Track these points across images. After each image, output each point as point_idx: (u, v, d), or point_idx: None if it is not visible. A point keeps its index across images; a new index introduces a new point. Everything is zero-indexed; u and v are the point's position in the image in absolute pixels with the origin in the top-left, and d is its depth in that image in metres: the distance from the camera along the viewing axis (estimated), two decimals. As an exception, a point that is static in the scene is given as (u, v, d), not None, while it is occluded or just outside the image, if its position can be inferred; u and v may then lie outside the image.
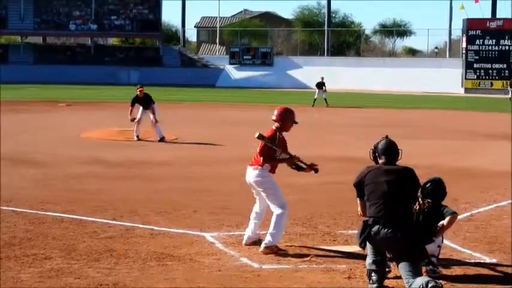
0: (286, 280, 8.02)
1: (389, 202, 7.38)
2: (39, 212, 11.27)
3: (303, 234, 10.23)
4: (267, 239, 9.21)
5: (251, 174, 9.62)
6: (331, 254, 9.18)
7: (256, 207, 9.76)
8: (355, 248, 9.39)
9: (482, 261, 8.94)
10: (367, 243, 7.54)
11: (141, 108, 22.88)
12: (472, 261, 8.94)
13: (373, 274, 7.48)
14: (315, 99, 43.48)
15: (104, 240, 9.63)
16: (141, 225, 10.55)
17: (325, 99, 43.24)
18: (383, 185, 7.44)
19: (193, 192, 13.64)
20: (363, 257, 8.85)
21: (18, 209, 11.39)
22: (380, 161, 7.75)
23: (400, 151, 7.85)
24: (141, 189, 13.85)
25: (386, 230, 7.31)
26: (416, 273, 7.22)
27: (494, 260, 8.95)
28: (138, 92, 23.13)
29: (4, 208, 11.43)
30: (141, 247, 9.29)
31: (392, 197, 7.40)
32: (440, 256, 9.00)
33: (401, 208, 7.42)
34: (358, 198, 7.75)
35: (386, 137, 7.95)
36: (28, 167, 16.56)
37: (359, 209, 7.79)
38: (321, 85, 43.99)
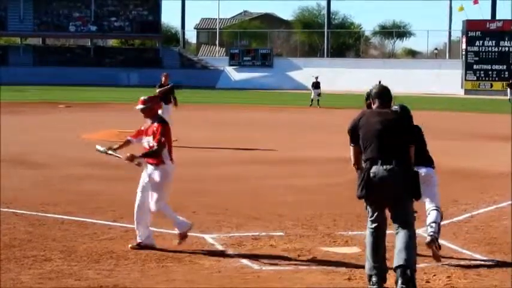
0: (286, 281, 8.02)
1: (384, 140, 7.38)
2: (39, 213, 11.27)
3: (303, 235, 10.22)
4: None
5: None
6: (331, 255, 9.17)
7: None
8: (355, 250, 9.41)
9: (482, 262, 8.94)
10: (371, 243, 7.47)
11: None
12: (472, 262, 8.94)
13: (373, 277, 7.47)
14: (313, 100, 43.77)
15: (104, 241, 9.63)
16: (141, 227, 10.53)
17: (318, 100, 43.48)
18: (377, 124, 7.44)
19: (193, 193, 13.64)
20: (363, 259, 8.86)
21: (18, 211, 11.39)
22: (374, 106, 7.78)
23: (393, 97, 7.92)
24: (141, 191, 13.82)
25: (384, 166, 7.30)
26: (406, 223, 7.39)
27: (494, 261, 8.94)
28: (164, 78, 21.74)
29: (4, 210, 11.43)
30: (141, 248, 9.29)
31: (387, 135, 7.40)
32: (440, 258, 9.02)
33: (397, 146, 7.42)
34: (351, 145, 7.71)
35: (380, 82, 8.07)
36: (28, 168, 16.56)
37: (351, 155, 7.73)
38: (317, 85, 44.15)
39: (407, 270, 7.26)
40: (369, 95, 8.04)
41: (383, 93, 7.83)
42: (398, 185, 7.34)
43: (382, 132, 7.41)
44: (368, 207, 7.58)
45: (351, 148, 7.71)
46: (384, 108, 7.70)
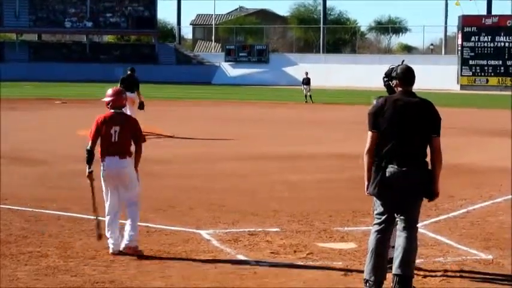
0: (283, 277, 8.02)
1: (405, 137, 7.04)
2: (35, 209, 11.25)
3: (299, 231, 10.22)
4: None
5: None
6: (328, 251, 9.17)
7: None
8: (352, 245, 9.41)
9: (478, 257, 8.95)
10: (374, 247, 7.14)
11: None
12: (468, 257, 8.95)
13: (369, 282, 7.16)
14: (306, 96, 44.00)
15: (100, 237, 9.61)
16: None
17: (310, 96, 43.68)
18: (400, 118, 7.06)
19: (189, 189, 13.63)
20: (359, 254, 8.87)
21: (14, 207, 11.37)
22: (397, 89, 7.35)
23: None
24: (137, 187, 13.81)
25: (402, 167, 6.97)
26: (412, 226, 7.13)
27: (490, 257, 8.95)
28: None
29: (0, 206, 11.41)
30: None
31: (410, 131, 7.06)
32: (437, 252, 9.02)
33: (419, 143, 7.12)
34: (370, 131, 7.18)
35: (403, 62, 7.58)
36: (24, 164, 16.53)
37: (368, 141, 7.15)
38: (307, 81, 44.37)
39: (406, 280, 7.06)
40: (388, 75, 7.54)
41: (407, 76, 7.39)
42: (414, 188, 7.07)
43: (405, 128, 7.05)
44: (378, 207, 7.20)
45: (369, 133, 7.19)
46: (408, 93, 7.29)
